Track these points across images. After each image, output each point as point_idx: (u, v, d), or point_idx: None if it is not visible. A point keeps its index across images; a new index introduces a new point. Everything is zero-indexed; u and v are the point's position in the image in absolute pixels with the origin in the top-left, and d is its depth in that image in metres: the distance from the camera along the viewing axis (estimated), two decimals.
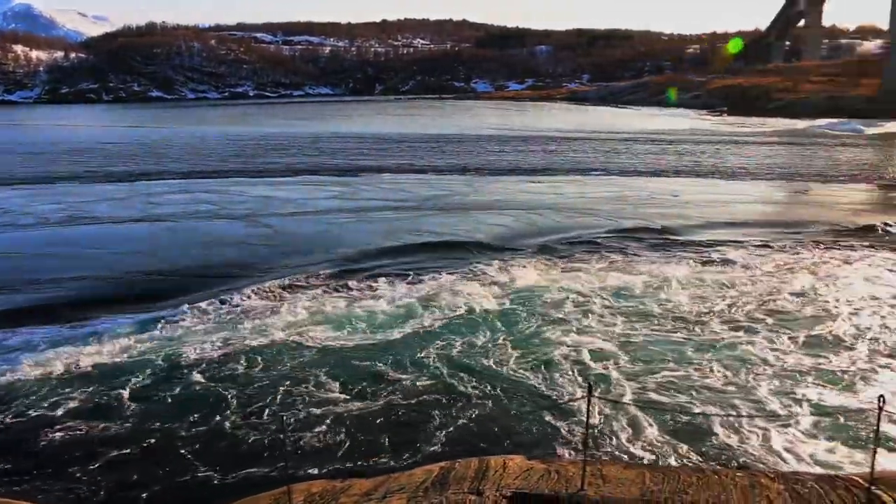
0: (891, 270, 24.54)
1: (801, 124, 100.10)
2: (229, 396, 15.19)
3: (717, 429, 13.45)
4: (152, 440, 13.44)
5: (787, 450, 12.70)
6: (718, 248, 27.73)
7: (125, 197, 41.84)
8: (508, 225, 32.76)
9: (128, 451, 13.05)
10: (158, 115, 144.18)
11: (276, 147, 71.53)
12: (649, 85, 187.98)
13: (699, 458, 12.43)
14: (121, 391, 15.51)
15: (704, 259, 26.00)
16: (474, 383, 15.69)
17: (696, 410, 14.29)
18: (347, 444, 13.20)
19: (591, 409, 8.78)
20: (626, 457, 12.38)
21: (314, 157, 63.09)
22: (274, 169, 54.27)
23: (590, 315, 19.90)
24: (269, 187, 45.10)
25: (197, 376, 16.16)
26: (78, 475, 12.27)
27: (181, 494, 11.66)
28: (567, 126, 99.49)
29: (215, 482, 11.97)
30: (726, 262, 25.62)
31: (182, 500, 11.50)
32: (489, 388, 15.44)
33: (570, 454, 12.30)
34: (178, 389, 15.56)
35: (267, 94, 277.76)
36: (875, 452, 8.26)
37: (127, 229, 32.69)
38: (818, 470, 11.36)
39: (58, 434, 13.69)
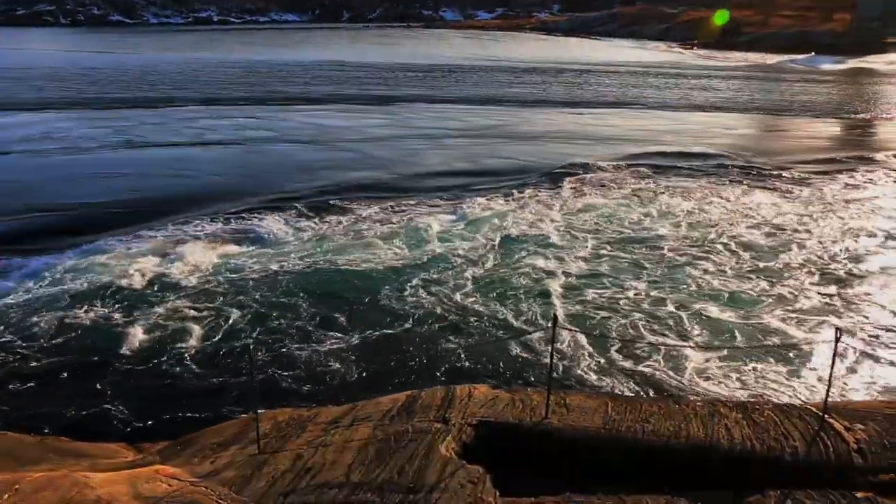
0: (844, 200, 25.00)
1: (770, 59, 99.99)
2: (211, 320, 15.28)
3: (679, 359, 13.73)
4: (122, 367, 13.46)
5: (746, 380, 13.03)
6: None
7: (163, 122, 40.97)
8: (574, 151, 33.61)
9: (95, 380, 13.05)
10: (126, 39, 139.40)
11: (284, 75, 69.74)
12: (620, 16, 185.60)
13: (661, 387, 12.72)
14: (96, 313, 15.52)
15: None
16: (450, 314, 15.84)
17: (655, 340, 14.56)
18: (317, 375, 13.32)
19: (555, 339, 8.90)
20: (589, 387, 12.65)
21: (337, 85, 61.98)
22: (303, 97, 53.31)
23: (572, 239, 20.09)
24: (313, 114, 44.67)
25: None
26: (39, 403, 12.30)
27: (148, 425, 11.73)
28: (562, 57, 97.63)
29: (182, 412, 12.05)
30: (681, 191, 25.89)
31: (149, 430, 11.56)
32: (460, 319, 15.59)
33: (535, 384, 12.51)
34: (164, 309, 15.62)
35: (231, 19, 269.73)
36: (829, 383, 8.50)
37: (206, 152, 33.12)
38: (775, 400, 11.70)
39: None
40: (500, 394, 9.14)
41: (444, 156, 32.70)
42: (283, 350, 14.16)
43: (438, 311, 15.96)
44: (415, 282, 17.47)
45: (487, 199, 24.76)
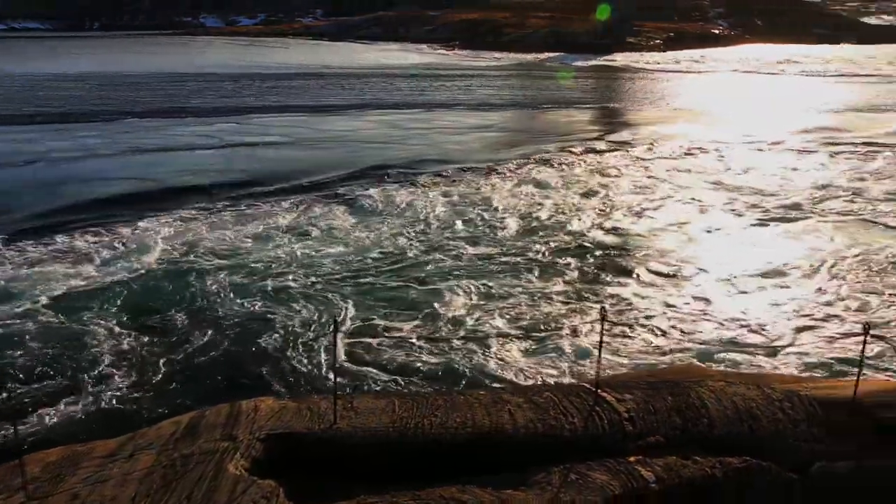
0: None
1: (529, 57, 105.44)
2: None
3: (462, 352, 14.11)
4: None
5: (525, 366, 13.62)
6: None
7: None
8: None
9: None
10: None
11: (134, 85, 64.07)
12: (383, 19, 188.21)
13: (446, 381, 13.01)
14: None
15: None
16: (226, 326, 15.33)
17: (435, 335, 14.90)
18: (87, 405, 12.44)
19: (337, 342, 8.83)
20: (376, 389, 12.70)
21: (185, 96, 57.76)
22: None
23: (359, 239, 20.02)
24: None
25: None
26: None
27: None
28: (343, 63, 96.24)
29: None
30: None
31: None
32: (238, 331, 15.14)
33: (322, 391, 12.39)
34: None
35: None
36: (599, 359, 9.06)
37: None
38: (553, 381, 12.31)
39: None
40: (287, 404, 8.93)
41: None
42: (49, 384, 13.11)
43: (215, 323, 15.43)
44: (179, 297, 16.79)
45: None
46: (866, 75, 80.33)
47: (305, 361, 13.75)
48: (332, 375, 10.22)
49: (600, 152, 34.28)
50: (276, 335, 14.95)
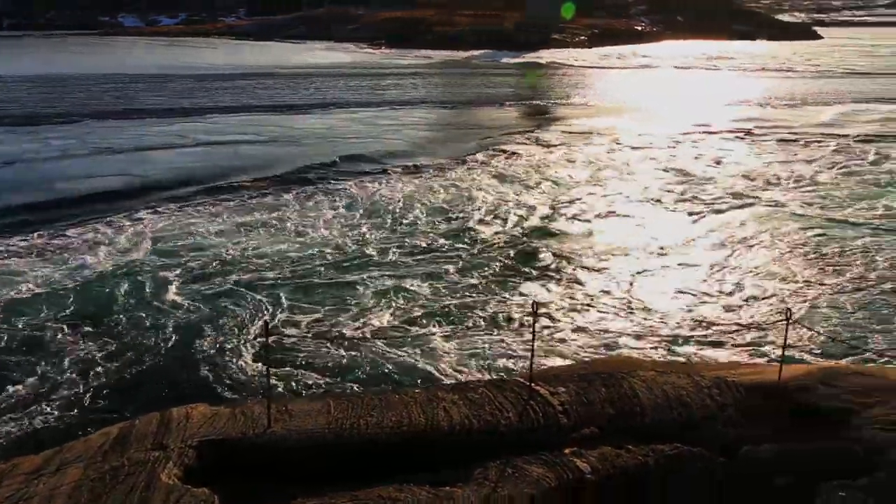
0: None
1: (457, 55, 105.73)
2: None
3: (396, 350, 14.10)
4: None
5: (458, 363, 13.67)
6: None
7: None
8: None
9: None
10: None
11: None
12: (307, 18, 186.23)
13: (382, 380, 12.98)
14: None
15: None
16: (155, 331, 15.01)
17: (366, 335, 14.86)
18: (9, 420, 12.04)
19: (270, 346, 8.73)
20: (311, 391, 12.60)
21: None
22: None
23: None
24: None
25: None
26: None
27: None
28: (279, 62, 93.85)
29: None
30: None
31: None
32: (173, 334, 14.84)
33: (256, 395, 12.24)
34: None
35: None
36: (532, 353, 9.16)
37: None
38: (488, 377, 12.38)
39: None
40: (220, 410, 8.78)
41: None
42: None
43: (151, 328, 15.11)
44: (117, 302, 16.40)
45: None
46: (793, 70, 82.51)
47: (239, 365, 13.55)
48: (265, 379, 10.09)
49: (536, 147, 34.62)
50: (211, 339, 14.70)
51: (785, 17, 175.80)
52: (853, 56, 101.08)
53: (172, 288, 17.33)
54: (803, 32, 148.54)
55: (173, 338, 14.82)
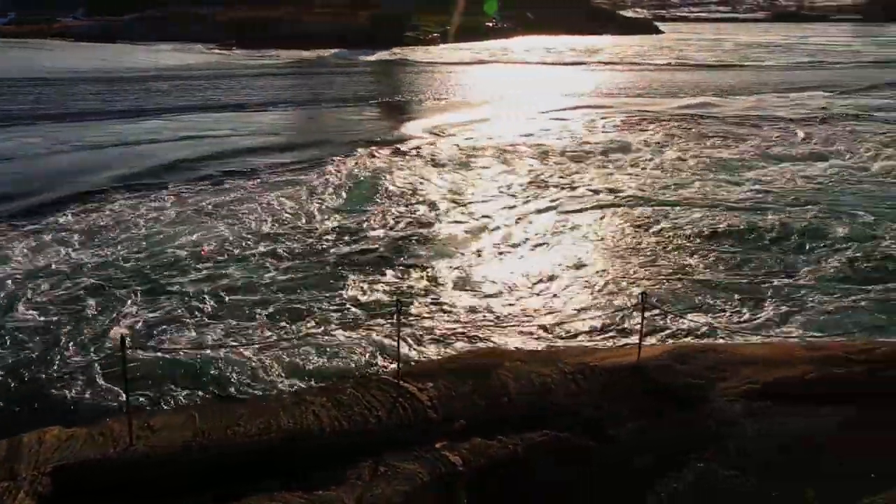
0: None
1: (311, 55, 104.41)
2: None
3: (258, 357, 13.77)
4: None
5: (324, 364, 13.53)
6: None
7: None
8: None
9: None
10: None
11: None
12: (151, 19, 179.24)
13: (246, 388, 12.66)
14: None
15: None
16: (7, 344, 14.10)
17: (228, 343, 14.52)
18: None
19: (126, 359, 8.37)
20: (174, 404, 12.16)
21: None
22: None
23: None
24: None
25: None
26: None
27: None
28: (152, 65, 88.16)
29: None
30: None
31: None
32: (26, 349, 13.98)
33: (115, 414, 11.69)
34: None
35: None
36: (398, 350, 9.20)
37: None
38: (355, 376, 12.32)
39: None
40: (75, 432, 8.37)
41: None
42: None
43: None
44: None
45: None
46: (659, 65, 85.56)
47: (98, 382, 12.89)
48: (124, 395, 9.68)
49: (389, 148, 34.46)
50: (66, 353, 13.91)
51: (629, 14, 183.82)
52: (695, 51, 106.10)
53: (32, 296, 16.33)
54: (646, 27, 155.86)
55: (28, 353, 13.95)
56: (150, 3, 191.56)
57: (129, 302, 16.47)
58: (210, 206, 24.10)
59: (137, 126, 41.50)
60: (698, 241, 20.59)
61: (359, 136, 37.94)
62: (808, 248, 19.88)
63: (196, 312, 15.96)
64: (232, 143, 35.75)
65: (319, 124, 44.72)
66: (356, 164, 30.80)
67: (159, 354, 13.70)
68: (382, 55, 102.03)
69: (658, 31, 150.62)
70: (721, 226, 21.72)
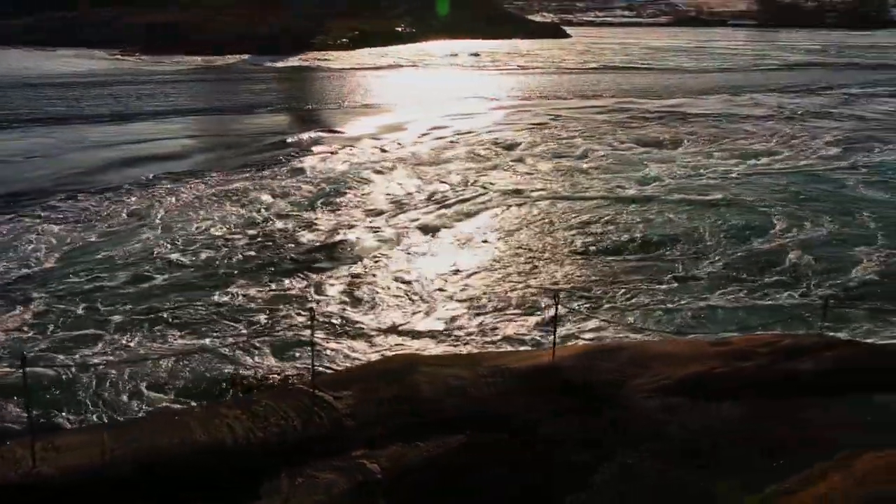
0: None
1: (218, 61, 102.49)
2: None
3: (173, 370, 13.47)
4: None
5: (237, 374, 13.31)
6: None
7: None
8: None
9: None
10: None
11: None
12: (55, 22, 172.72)
13: (155, 401, 12.34)
14: None
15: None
16: None
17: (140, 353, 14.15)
18: None
19: (27, 378, 8.04)
20: (81, 423, 11.76)
21: None
22: None
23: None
24: None
25: None
26: None
27: None
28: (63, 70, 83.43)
29: None
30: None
31: None
32: None
33: (18, 435, 11.21)
34: None
35: None
36: (313, 360, 9.11)
37: None
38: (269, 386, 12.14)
39: None
40: None
41: None
42: None
43: None
44: None
45: None
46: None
47: None
48: (25, 416, 9.29)
49: (303, 155, 34.03)
50: None
51: (537, 18, 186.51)
52: (612, 54, 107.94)
53: None
54: (554, 31, 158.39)
55: None
56: (52, 6, 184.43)
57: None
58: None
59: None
60: (609, 236, 21.15)
61: (264, 144, 37.31)
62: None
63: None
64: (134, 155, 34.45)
65: (223, 131, 43.54)
66: (264, 174, 30.39)
67: (66, 368, 13.24)
68: (291, 61, 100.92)
69: (566, 35, 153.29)
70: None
